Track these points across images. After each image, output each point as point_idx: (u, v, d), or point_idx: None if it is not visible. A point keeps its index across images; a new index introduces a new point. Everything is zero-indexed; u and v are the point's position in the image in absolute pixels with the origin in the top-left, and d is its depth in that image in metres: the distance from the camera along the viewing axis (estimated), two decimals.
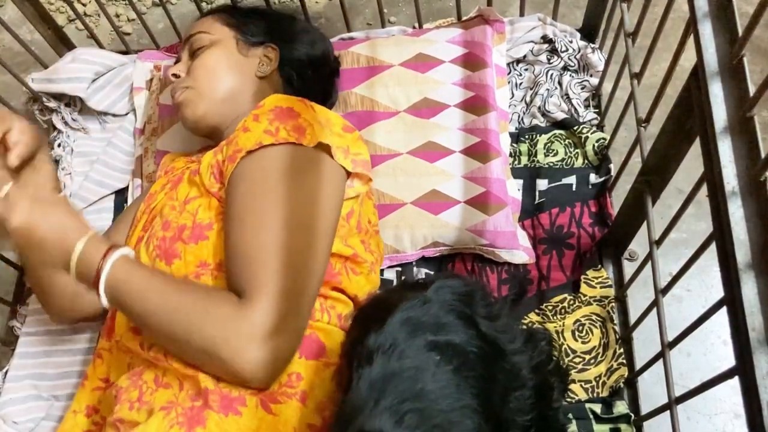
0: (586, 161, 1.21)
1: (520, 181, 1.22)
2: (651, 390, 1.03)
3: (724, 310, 0.67)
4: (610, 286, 1.10)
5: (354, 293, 0.92)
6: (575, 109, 1.26)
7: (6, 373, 1.13)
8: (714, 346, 1.13)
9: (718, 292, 0.66)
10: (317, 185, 0.84)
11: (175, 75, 1.04)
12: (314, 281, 0.81)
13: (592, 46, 1.29)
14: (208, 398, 0.75)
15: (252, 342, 0.72)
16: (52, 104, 1.34)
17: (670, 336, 0.85)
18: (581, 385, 1.02)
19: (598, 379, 1.03)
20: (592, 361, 1.04)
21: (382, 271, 1.16)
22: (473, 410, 0.61)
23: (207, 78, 0.99)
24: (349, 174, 0.93)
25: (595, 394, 1.02)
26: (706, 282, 1.18)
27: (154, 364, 0.81)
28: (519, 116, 1.28)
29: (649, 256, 0.91)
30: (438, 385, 0.60)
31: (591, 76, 1.29)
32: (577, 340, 1.06)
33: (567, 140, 1.23)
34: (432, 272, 1.16)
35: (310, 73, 1.09)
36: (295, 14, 1.16)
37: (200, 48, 1.02)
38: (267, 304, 0.74)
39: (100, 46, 1.40)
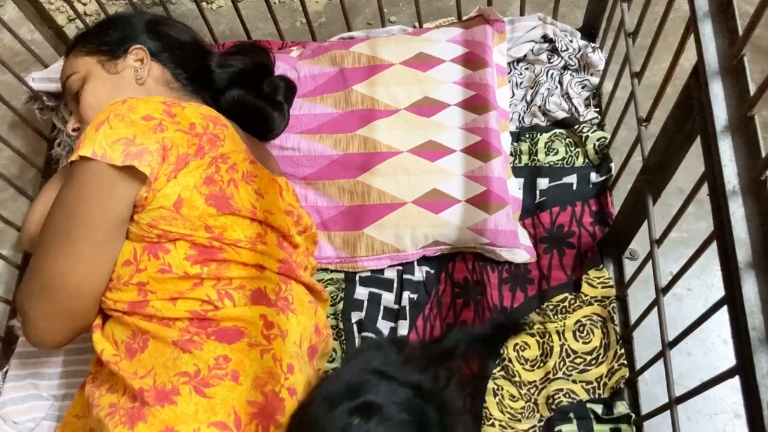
0: (586, 160, 1.21)
1: (521, 180, 1.22)
2: (651, 390, 1.03)
3: (724, 309, 0.67)
4: (611, 287, 1.09)
5: (255, 263, 0.90)
6: (576, 108, 1.26)
7: (6, 373, 1.13)
8: (714, 346, 1.13)
9: (719, 292, 0.66)
10: (78, 198, 0.84)
11: (74, 129, 1.03)
12: (69, 284, 0.85)
13: (593, 45, 1.29)
14: (144, 397, 0.79)
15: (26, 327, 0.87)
16: (52, 103, 1.34)
17: (671, 335, 0.84)
18: (582, 386, 1.02)
19: (599, 380, 1.03)
20: (594, 362, 1.04)
21: (382, 270, 1.16)
22: None
23: (94, 115, 0.93)
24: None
25: (596, 395, 1.02)
26: (706, 281, 1.18)
27: (114, 372, 0.85)
28: (519, 115, 1.28)
29: (650, 255, 0.91)
30: None
31: (591, 75, 1.29)
32: (578, 341, 1.06)
33: (567, 139, 1.23)
34: (433, 271, 1.16)
35: (186, 52, 1.07)
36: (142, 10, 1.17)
37: (77, 91, 1.00)
38: (25, 308, 0.86)
39: None
